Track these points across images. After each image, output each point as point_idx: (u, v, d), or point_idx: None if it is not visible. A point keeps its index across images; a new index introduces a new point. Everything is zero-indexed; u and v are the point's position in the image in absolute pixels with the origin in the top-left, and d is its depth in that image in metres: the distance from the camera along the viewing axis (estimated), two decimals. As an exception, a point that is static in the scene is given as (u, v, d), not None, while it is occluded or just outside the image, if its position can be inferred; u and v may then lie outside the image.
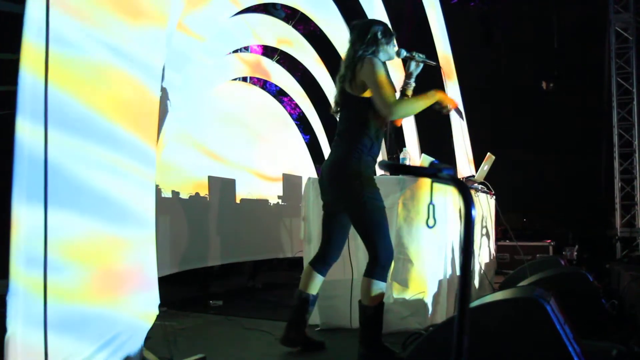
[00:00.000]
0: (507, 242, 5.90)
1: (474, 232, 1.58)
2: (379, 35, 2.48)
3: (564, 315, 1.67)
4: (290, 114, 7.99)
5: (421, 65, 2.60)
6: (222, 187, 4.73)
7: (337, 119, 2.58)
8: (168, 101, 3.75)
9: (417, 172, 1.57)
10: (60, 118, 1.76)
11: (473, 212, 0.99)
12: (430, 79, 2.77)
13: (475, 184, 3.92)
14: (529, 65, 8.79)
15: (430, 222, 2.45)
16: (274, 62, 6.99)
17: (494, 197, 4.66)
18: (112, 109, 1.98)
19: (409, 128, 6.62)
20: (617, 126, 7.53)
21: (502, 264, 5.75)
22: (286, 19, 6.59)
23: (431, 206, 2.49)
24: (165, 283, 2.96)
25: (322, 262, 2.61)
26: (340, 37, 5.69)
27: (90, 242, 1.88)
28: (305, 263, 2.82)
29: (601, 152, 7.85)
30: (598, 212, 7.86)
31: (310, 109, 7.39)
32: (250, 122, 6.53)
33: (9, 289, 1.61)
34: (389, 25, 2.59)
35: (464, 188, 1.00)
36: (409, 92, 2.63)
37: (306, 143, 7.79)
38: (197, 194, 4.56)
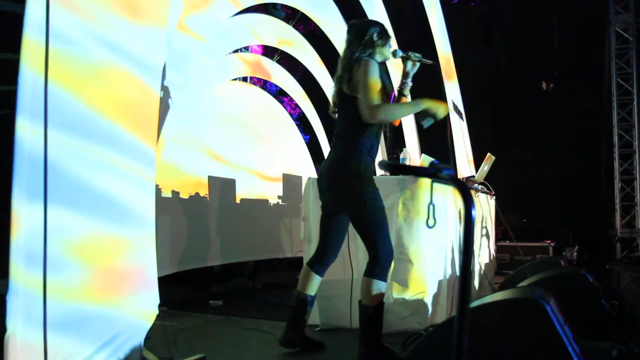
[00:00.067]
0: (507, 243, 5.90)
1: (474, 232, 1.58)
2: (375, 37, 2.50)
3: (564, 315, 1.67)
4: (291, 114, 7.99)
5: (418, 64, 2.60)
6: (222, 187, 4.73)
7: (335, 119, 2.59)
8: (169, 100, 3.75)
9: (417, 172, 1.57)
10: (60, 117, 1.76)
11: (473, 213, 0.99)
12: (430, 78, 2.77)
13: (475, 184, 3.92)
14: (529, 65, 8.79)
15: (430, 222, 2.45)
16: (274, 62, 6.98)
17: (494, 197, 4.66)
18: (112, 109, 1.99)
19: (409, 128, 6.62)
20: (617, 127, 7.53)
21: (502, 264, 5.75)
22: (286, 19, 6.58)
23: (431, 206, 2.49)
24: (165, 283, 2.96)
25: (320, 262, 2.61)
26: (340, 37, 5.66)
27: (90, 241, 1.89)
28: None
29: (601, 152, 7.85)
30: (598, 213, 7.86)
31: (310, 109, 7.39)
32: (250, 122, 6.53)
33: (9, 289, 1.61)
34: (386, 27, 2.60)
35: (464, 188, 1.00)
36: (406, 92, 2.64)
37: (306, 143, 7.79)
38: (197, 194, 4.56)
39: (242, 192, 5.46)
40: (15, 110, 1.64)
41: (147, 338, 2.12)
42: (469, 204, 0.97)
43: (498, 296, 1.87)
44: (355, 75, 2.40)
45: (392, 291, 2.96)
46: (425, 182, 2.95)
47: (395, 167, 1.23)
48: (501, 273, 5.24)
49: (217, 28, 4.73)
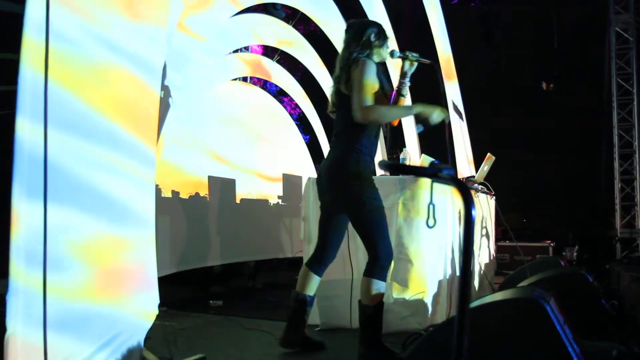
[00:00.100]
0: (507, 243, 5.90)
1: (474, 232, 1.58)
2: (373, 37, 2.51)
3: (564, 315, 1.66)
4: (291, 114, 7.99)
5: (415, 64, 2.61)
6: (222, 187, 4.73)
7: (334, 119, 2.59)
8: (170, 99, 3.75)
9: (417, 172, 1.57)
10: (60, 117, 1.76)
11: (473, 212, 0.99)
12: (430, 78, 2.77)
13: (475, 184, 3.92)
14: (529, 65, 8.79)
15: (431, 222, 2.45)
16: (274, 62, 6.98)
17: (494, 197, 4.66)
18: (112, 109, 1.99)
19: (409, 128, 6.62)
20: (617, 127, 7.53)
21: (502, 264, 5.75)
22: (286, 19, 6.58)
23: (431, 206, 2.49)
24: (165, 283, 2.96)
25: (319, 262, 2.62)
26: (340, 37, 5.67)
27: (90, 241, 1.88)
28: (305, 263, 2.82)
29: (601, 152, 7.85)
30: (598, 213, 7.86)
31: (310, 109, 7.39)
32: (250, 122, 6.53)
33: (9, 288, 1.61)
34: (384, 27, 2.60)
35: (464, 188, 1.00)
36: (405, 92, 2.65)
37: (306, 143, 7.78)
38: (197, 194, 4.56)
39: (242, 192, 5.46)
40: (15, 110, 1.64)
41: (147, 338, 2.12)
42: (469, 204, 0.97)
43: (498, 296, 1.87)
44: (352, 76, 2.41)
45: (392, 291, 2.96)
46: (425, 182, 2.95)
47: (395, 167, 1.23)
48: (501, 273, 5.24)
49: (217, 28, 4.73)
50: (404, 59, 2.59)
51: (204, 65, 4.99)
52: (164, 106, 3.65)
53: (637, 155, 7.42)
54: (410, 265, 2.98)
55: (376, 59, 2.52)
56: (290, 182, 5.71)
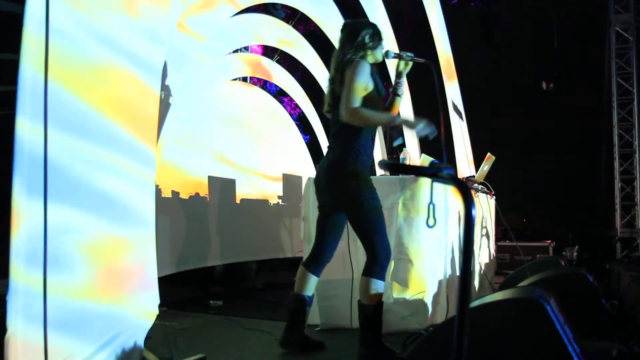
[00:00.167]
0: (507, 243, 5.90)
1: (474, 232, 1.58)
2: (367, 39, 2.50)
3: (564, 315, 1.66)
4: (291, 114, 7.98)
5: (410, 63, 2.61)
6: (222, 187, 4.73)
7: (330, 119, 2.59)
8: (170, 99, 3.75)
9: (417, 171, 1.57)
10: (60, 116, 1.76)
11: (473, 212, 0.99)
12: (428, 77, 2.76)
13: (475, 184, 3.92)
14: (529, 65, 8.78)
15: (431, 222, 2.45)
16: (274, 62, 6.98)
17: (494, 197, 4.66)
18: (112, 108, 1.99)
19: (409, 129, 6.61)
20: (617, 126, 7.53)
21: (502, 264, 5.75)
22: (286, 19, 6.58)
23: (431, 206, 2.49)
24: (165, 283, 2.96)
25: (316, 262, 2.62)
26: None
27: (90, 240, 1.88)
28: (305, 263, 2.82)
29: (601, 152, 7.84)
30: (598, 213, 7.85)
31: (310, 109, 7.39)
32: (250, 122, 6.53)
33: (9, 288, 1.61)
34: (379, 28, 2.59)
35: (464, 188, 1.00)
36: (400, 92, 2.65)
37: (306, 143, 7.78)
38: (197, 194, 4.56)
39: (242, 192, 5.46)
40: (15, 110, 1.64)
41: (147, 338, 2.12)
42: (469, 203, 0.97)
43: (498, 296, 1.87)
44: (345, 77, 2.41)
45: (392, 291, 2.96)
46: (425, 181, 2.95)
47: (395, 167, 1.23)
48: (501, 273, 5.24)
49: (217, 28, 4.73)
50: (398, 58, 2.60)
51: (204, 65, 4.99)
52: (164, 106, 3.65)
53: (637, 155, 7.42)
54: (410, 265, 2.98)
55: (370, 60, 2.52)
56: (290, 182, 5.71)
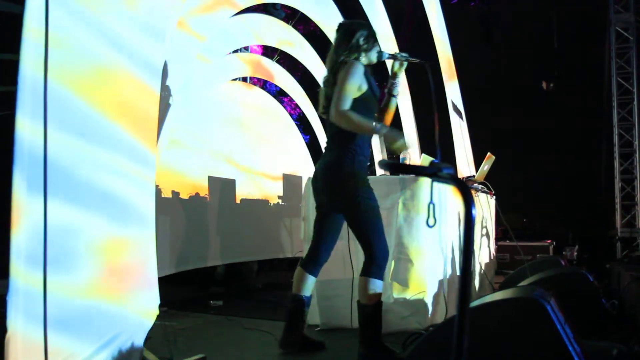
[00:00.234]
0: (507, 242, 5.89)
1: (474, 232, 1.58)
2: (362, 41, 2.49)
3: (564, 315, 1.66)
4: (291, 114, 7.98)
5: (405, 63, 2.60)
6: (222, 187, 4.73)
7: (326, 120, 2.59)
8: (170, 98, 3.75)
9: (417, 171, 1.57)
10: (60, 116, 1.76)
11: (473, 212, 0.99)
12: (426, 77, 2.76)
13: (475, 184, 3.92)
14: (529, 65, 8.78)
15: (431, 222, 2.45)
16: (274, 62, 6.98)
17: (494, 197, 4.66)
18: (112, 108, 1.99)
19: (409, 128, 6.62)
20: (617, 126, 7.53)
21: (502, 264, 5.74)
22: (286, 19, 6.58)
23: (431, 205, 2.49)
24: (165, 283, 2.96)
25: (314, 263, 2.62)
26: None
27: (90, 240, 1.88)
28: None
29: (601, 152, 7.84)
30: (598, 212, 7.85)
31: (310, 109, 7.39)
32: (250, 122, 6.53)
33: (9, 288, 1.61)
34: (374, 29, 2.58)
35: (464, 187, 1.00)
36: (395, 92, 2.65)
37: (306, 143, 7.78)
38: (197, 194, 4.56)
39: (242, 192, 5.46)
40: (15, 110, 1.64)
41: (147, 338, 2.12)
42: (469, 203, 0.97)
43: (498, 296, 1.87)
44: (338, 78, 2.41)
45: (392, 291, 2.95)
46: (426, 181, 2.95)
47: (395, 166, 1.23)
48: (501, 273, 5.23)
49: (217, 28, 4.73)
50: (393, 59, 2.59)
51: (204, 65, 4.99)
52: (164, 106, 3.65)
53: (637, 155, 7.41)
54: (410, 265, 2.98)
55: (364, 61, 2.51)
56: (290, 182, 5.71)
